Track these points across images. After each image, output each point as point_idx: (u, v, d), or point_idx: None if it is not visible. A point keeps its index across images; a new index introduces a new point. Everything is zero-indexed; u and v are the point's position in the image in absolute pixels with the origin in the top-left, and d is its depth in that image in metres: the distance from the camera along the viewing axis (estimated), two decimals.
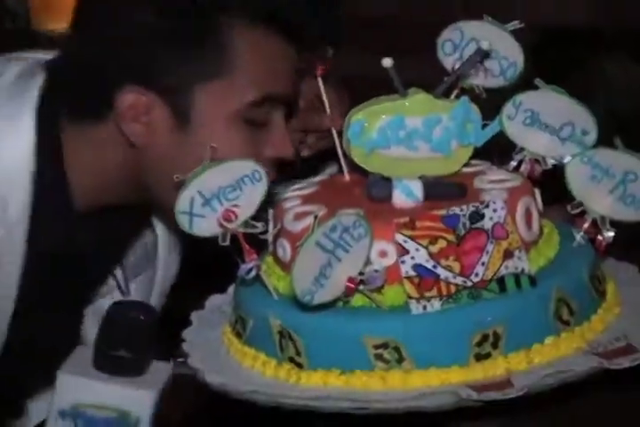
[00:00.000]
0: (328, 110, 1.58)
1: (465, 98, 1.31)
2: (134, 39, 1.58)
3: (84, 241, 1.68)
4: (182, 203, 1.30)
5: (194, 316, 1.49)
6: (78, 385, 1.31)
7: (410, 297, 1.21)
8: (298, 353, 1.25)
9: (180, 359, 1.79)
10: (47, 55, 1.71)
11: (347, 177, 1.41)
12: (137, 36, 1.58)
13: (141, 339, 1.36)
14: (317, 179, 1.47)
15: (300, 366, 1.25)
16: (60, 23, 3.17)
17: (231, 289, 1.47)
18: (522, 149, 1.35)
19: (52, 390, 1.45)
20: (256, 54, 1.62)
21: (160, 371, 1.32)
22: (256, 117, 1.63)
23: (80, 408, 1.30)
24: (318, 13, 1.87)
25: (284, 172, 1.77)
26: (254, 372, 1.31)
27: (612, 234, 1.33)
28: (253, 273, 1.31)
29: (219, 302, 1.50)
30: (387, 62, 1.25)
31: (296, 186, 1.44)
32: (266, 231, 1.34)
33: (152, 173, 1.65)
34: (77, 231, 1.68)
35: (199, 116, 1.63)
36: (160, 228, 1.91)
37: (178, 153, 1.62)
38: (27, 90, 1.62)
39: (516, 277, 1.23)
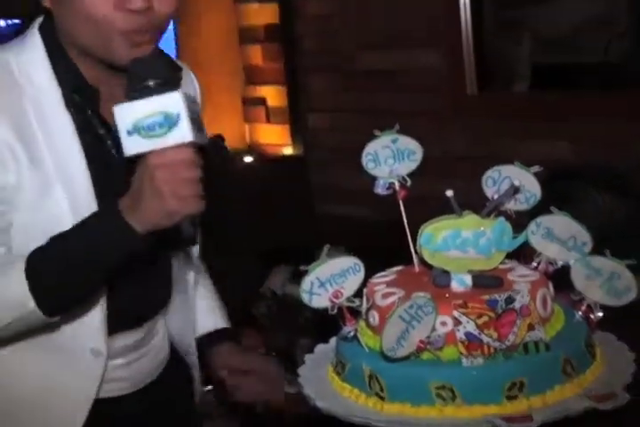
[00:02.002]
0: None
1: (502, 218, 1.34)
2: None
3: None
4: (305, 285, 1.35)
5: (307, 358, 1.49)
6: (129, 109, 1.33)
7: (461, 354, 1.25)
8: (381, 390, 1.28)
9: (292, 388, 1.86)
10: None
11: (417, 269, 1.42)
12: None
13: (164, 67, 1.42)
14: (395, 269, 1.46)
15: (382, 398, 1.28)
16: None
17: (332, 341, 1.47)
18: (540, 254, 1.40)
19: None
20: None
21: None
22: None
23: (137, 124, 1.31)
24: None
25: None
26: (350, 401, 1.32)
27: (600, 315, 1.36)
28: (352, 334, 1.36)
29: (324, 350, 1.50)
30: (449, 193, 1.32)
31: (380, 273, 1.44)
32: (360, 305, 1.38)
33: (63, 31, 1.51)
34: None
35: None
36: None
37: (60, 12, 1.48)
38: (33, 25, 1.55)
39: (536, 344, 1.26)
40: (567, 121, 3.43)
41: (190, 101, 1.35)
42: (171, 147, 1.31)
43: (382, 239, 1.48)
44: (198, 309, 1.88)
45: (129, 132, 1.31)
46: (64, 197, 1.47)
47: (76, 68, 1.53)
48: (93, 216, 1.41)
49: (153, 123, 1.30)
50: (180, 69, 1.65)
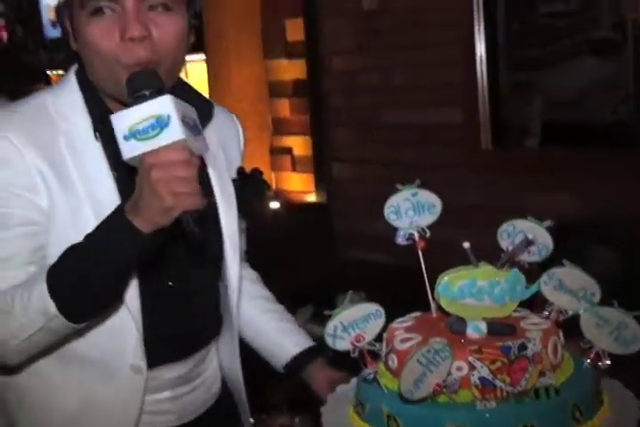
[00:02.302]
0: None
1: (515, 269, 1.34)
2: None
3: None
4: (329, 328, 1.35)
5: (329, 397, 1.49)
6: (124, 116, 1.32)
7: (475, 398, 1.24)
8: None
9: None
10: None
11: (434, 315, 1.42)
12: None
13: (158, 79, 1.41)
14: (414, 315, 1.45)
15: None
16: None
17: (353, 381, 1.46)
18: (551, 304, 1.40)
19: None
20: None
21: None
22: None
23: (132, 128, 1.30)
24: None
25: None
26: None
27: (608, 362, 1.35)
28: (372, 376, 1.35)
29: (345, 390, 1.49)
30: (466, 245, 1.33)
31: (400, 319, 1.44)
32: (380, 349, 1.38)
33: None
34: None
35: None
36: None
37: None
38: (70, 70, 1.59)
39: (546, 389, 1.26)
40: (575, 176, 3.43)
41: (184, 107, 1.36)
42: (164, 147, 1.30)
43: (400, 284, 1.47)
44: (284, 330, 1.89)
45: (125, 138, 1.31)
46: (93, 218, 1.47)
47: (102, 101, 1.56)
48: (103, 221, 1.41)
49: (146, 126, 1.30)
50: (207, 104, 1.70)
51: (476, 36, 3.73)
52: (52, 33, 7.69)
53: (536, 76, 3.62)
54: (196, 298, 1.69)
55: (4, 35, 8.81)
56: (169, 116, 1.30)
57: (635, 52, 3.27)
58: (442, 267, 1.37)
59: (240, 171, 1.75)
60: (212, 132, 1.67)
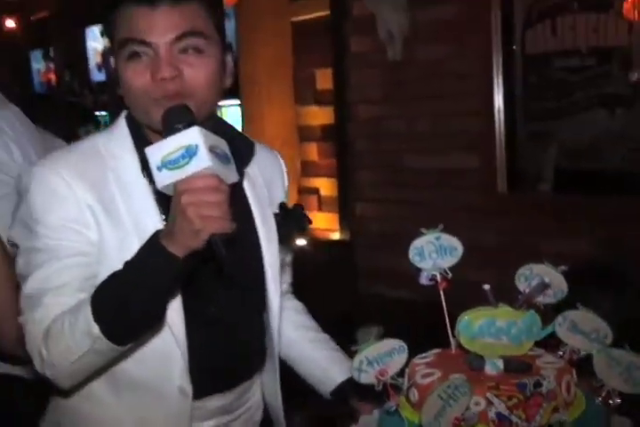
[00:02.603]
0: None
1: (532, 311, 1.34)
2: None
3: None
4: (355, 363, 1.34)
5: None
6: (156, 148, 1.34)
7: None
8: None
9: None
10: None
11: (453, 351, 1.40)
12: None
13: (190, 113, 1.43)
14: (435, 351, 1.43)
15: None
16: None
17: (375, 413, 1.45)
18: (565, 344, 1.38)
19: None
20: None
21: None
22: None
23: (164, 159, 1.32)
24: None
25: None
26: None
27: (618, 401, 1.33)
28: (394, 408, 1.34)
29: (368, 420, 1.47)
30: (486, 287, 1.33)
31: (421, 355, 1.42)
32: (403, 383, 1.36)
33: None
34: None
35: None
36: None
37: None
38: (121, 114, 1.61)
39: (560, 425, 1.25)
40: (587, 221, 3.42)
41: (213, 138, 1.36)
42: (194, 174, 1.31)
43: (421, 319, 1.46)
44: (330, 359, 1.86)
45: (158, 168, 1.33)
46: None
47: (148, 139, 1.56)
48: (141, 247, 1.41)
49: (177, 156, 1.31)
50: (250, 143, 1.70)
51: (495, 87, 3.76)
52: (98, 77, 7.81)
53: (551, 125, 3.63)
54: (241, 329, 1.68)
55: (53, 78, 8.95)
56: (197, 146, 1.31)
57: None
58: (457, 302, 1.38)
59: (282, 205, 1.75)
60: (255, 169, 1.68)
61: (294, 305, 1.95)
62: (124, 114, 1.63)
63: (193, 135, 1.33)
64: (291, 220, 1.73)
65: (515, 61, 3.71)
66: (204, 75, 1.50)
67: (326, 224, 5.00)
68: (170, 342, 1.55)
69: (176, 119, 1.39)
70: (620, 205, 3.33)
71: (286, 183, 1.85)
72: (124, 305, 1.40)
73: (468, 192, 3.93)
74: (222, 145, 1.38)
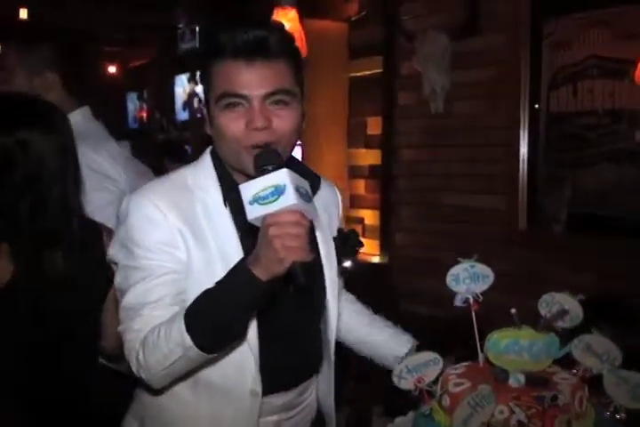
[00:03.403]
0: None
1: (552, 333, 1.34)
2: None
3: None
4: (397, 371, 1.36)
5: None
6: (249, 186, 1.33)
7: None
8: None
9: None
10: None
11: (481, 364, 1.41)
12: None
13: (278, 157, 1.43)
14: (465, 364, 1.43)
15: None
16: None
17: (410, 414, 1.45)
18: (580, 363, 1.39)
19: None
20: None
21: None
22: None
23: (256, 195, 1.31)
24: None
25: None
26: None
27: (624, 415, 1.33)
28: (428, 412, 1.34)
29: (404, 421, 1.48)
30: (513, 311, 1.33)
31: (453, 366, 1.42)
32: (436, 390, 1.37)
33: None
34: None
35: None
36: None
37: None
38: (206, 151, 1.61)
39: None
40: (596, 257, 3.37)
41: (298, 179, 1.35)
42: (280, 210, 1.31)
43: (452, 335, 1.44)
44: (389, 335, 1.86)
45: (250, 203, 1.32)
46: (221, 269, 1.46)
47: (230, 175, 1.57)
48: (230, 270, 1.41)
49: (267, 193, 1.31)
50: (316, 178, 1.71)
51: (521, 139, 3.73)
52: (182, 115, 7.93)
53: (567, 174, 3.59)
54: (304, 337, 1.68)
55: (145, 116, 9.11)
56: (285, 186, 1.31)
57: None
58: (484, 322, 1.38)
59: (339, 231, 1.76)
60: (318, 199, 1.68)
61: (348, 297, 1.94)
62: (208, 150, 1.62)
63: (282, 176, 1.32)
64: (347, 242, 1.73)
65: (539, 118, 3.68)
66: (290, 125, 1.50)
67: (369, 249, 4.99)
68: (245, 352, 1.55)
69: (266, 161, 1.39)
70: (622, 246, 3.27)
71: (341, 212, 1.86)
72: (213, 320, 1.40)
73: (493, 227, 3.89)
74: (306, 185, 1.38)
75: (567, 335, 1.39)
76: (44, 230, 1.77)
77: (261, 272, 1.35)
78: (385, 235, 4.78)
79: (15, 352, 1.79)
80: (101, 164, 2.33)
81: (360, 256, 4.97)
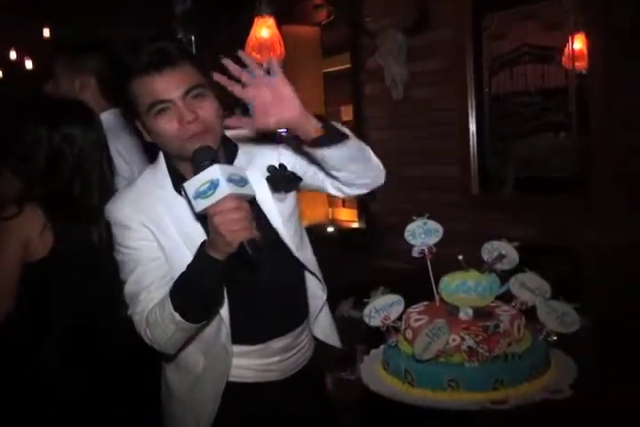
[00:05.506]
0: None
1: (493, 274, 1.34)
2: None
3: None
4: (366, 311, 1.37)
5: (365, 358, 1.46)
6: (190, 183, 1.30)
7: (464, 359, 1.25)
8: (412, 380, 1.27)
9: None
10: None
11: (437, 304, 1.41)
12: None
13: (212, 152, 1.36)
14: (423, 303, 1.43)
15: (412, 385, 1.28)
16: None
17: (381, 347, 1.44)
18: (517, 298, 1.39)
19: None
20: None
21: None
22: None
23: (197, 191, 1.30)
24: None
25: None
26: (392, 386, 1.31)
27: (555, 338, 1.34)
28: (394, 343, 1.36)
29: (376, 353, 1.46)
30: (460, 257, 1.33)
31: (414, 306, 1.42)
32: (400, 325, 1.38)
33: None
34: None
35: None
36: None
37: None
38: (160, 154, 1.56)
39: (512, 355, 1.26)
40: (534, 213, 3.39)
41: (230, 169, 1.33)
42: (219, 200, 1.29)
43: (415, 283, 1.46)
44: None
45: (194, 198, 1.31)
46: (189, 252, 1.46)
47: (177, 168, 1.54)
48: (194, 256, 1.42)
49: (205, 188, 1.29)
50: (235, 147, 1.60)
51: (470, 118, 3.73)
52: None
53: (511, 144, 3.59)
54: (277, 292, 1.62)
55: None
56: (218, 180, 1.29)
57: (577, 131, 3.25)
58: (442, 272, 1.39)
59: (269, 169, 1.59)
60: (241, 159, 1.58)
61: None
62: (161, 154, 1.57)
63: (214, 171, 1.30)
64: (276, 173, 1.59)
65: (484, 99, 3.69)
66: (213, 112, 1.45)
67: (348, 217, 5.01)
68: (216, 318, 1.57)
69: (202, 157, 1.36)
70: (562, 202, 3.29)
71: (280, 149, 1.62)
72: (191, 296, 1.43)
73: (451, 194, 3.89)
74: (239, 171, 1.36)
75: (506, 276, 1.40)
76: (90, 207, 1.92)
77: (217, 253, 1.37)
78: (361, 204, 4.79)
79: (84, 307, 1.89)
80: (124, 154, 2.36)
81: (341, 223, 4.99)
